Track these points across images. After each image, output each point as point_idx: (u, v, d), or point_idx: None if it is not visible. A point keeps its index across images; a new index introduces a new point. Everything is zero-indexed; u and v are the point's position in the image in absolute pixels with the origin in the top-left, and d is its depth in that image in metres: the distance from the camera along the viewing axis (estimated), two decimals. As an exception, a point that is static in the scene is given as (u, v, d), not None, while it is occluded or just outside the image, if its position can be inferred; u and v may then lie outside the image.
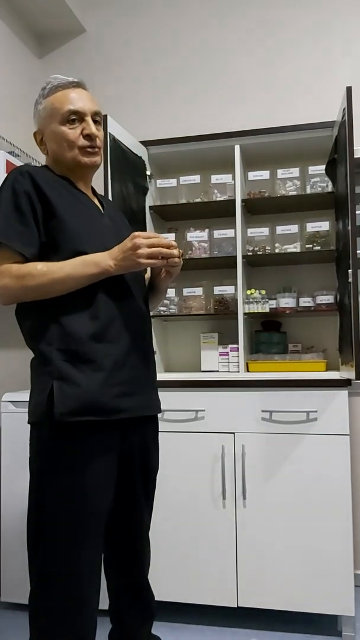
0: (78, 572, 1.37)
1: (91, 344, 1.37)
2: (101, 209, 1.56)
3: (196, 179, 2.51)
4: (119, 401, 1.39)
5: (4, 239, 1.35)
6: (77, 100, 1.47)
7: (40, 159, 2.79)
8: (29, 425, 1.42)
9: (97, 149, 1.49)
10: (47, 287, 1.35)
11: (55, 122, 1.46)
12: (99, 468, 1.39)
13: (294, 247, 2.40)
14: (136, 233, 1.37)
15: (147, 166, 2.51)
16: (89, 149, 1.48)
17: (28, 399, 1.43)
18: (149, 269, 1.65)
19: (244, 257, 2.37)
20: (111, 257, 1.37)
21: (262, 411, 2.05)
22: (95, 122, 1.49)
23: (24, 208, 1.37)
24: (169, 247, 1.40)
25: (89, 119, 1.47)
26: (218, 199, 2.48)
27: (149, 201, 2.51)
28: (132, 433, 1.49)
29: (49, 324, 1.39)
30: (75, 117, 1.46)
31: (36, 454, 1.40)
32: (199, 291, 2.48)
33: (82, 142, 1.46)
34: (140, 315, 1.50)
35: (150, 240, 1.37)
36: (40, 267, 1.35)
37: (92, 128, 1.47)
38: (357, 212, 1.96)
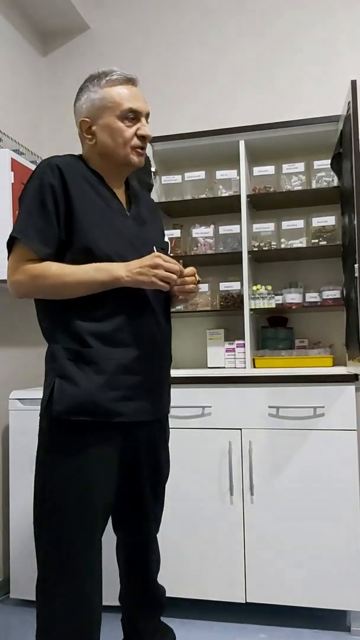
0: (74, 564, 1.39)
1: (96, 346, 1.39)
2: (127, 210, 1.53)
3: (201, 174, 2.50)
4: (118, 405, 1.40)
5: (23, 237, 1.36)
6: (135, 99, 1.47)
7: (45, 156, 2.79)
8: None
9: (144, 151, 1.51)
10: (58, 289, 1.37)
11: (113, 116, 1.44)
12: (95, 465, 1.40)
13: (300, 243, 2.39)
14: (158, 254, 1.39)
15: (152, 162, 2.50)
16: (139, 149, 1.49)
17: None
18: None
19: (249, 252, 2.36)
20: (127, 268, 1.38)
21: (269, 407, 2.04)
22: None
23: (47, 203, 1.37)
24: (190, 275, 1.44)
25: (143, 119, 1.48)
26: (223, 195, 2.48)
27: (154, 198, 2.50)
28: (137, 434, 1.49)
29: (59, 322, 1.41)
30: (133, 115, 1.46)
31: (39, 446, 1.44)
32: (204, 287, 2.47)
33: (136, 141, 1.47)
34: (155, 325, 1.49)
35: (169, 265, 1.38)
36: (54, 269, 1.36)
37: (147, 129, 1.48)
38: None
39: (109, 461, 1.43)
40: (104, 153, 1.48)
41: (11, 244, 1.39)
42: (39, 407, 2.16)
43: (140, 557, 1.65)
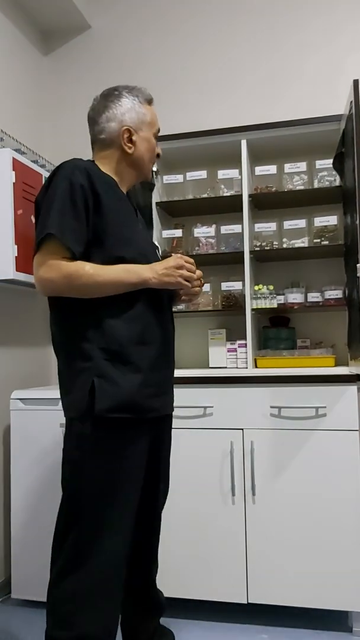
0: (109, 557, 1.42)
1: (130, 346, 1.44)
2: (135, 213, 1.62)
3: (203, 174, 2.49)
4: (151, 401, 1.47)
5: (59, 234, 1.37)
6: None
7: (47, 156, 2.79)
8: (63, 419, 1.50)
9: None
10: (90, 289, 1.40)
11: (150, 132, 1.59)
12: (134, 460, 1.46)
13: (302, 242, 2.39)
14: (180, 255, 1.51)
15: (154, 162, 2.50)
16: (152, 165, 1.66)
17: (61, 394, 1.50)
18: None
19: (251, 252, 2.36)
20: (152, 270, 1.46)
21: (271, 407, 2.04)
22: None
23: (78, 203, 1.40)
24: (199, 278, 1.57)
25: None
26: (225, 195, 2.47)
27: (156, 197, 2.50)
28: (157, 428, 1.56)
29: (92, 323, 1.43)
30: (157, 135, 1.63)
31: (75, 446, 1.44)
32: (206, 287, 2.47)
33: (155, 159, 1.65)
34: (168, 323, 1.58)
35: (189, 265, 1.51)
36: (87, 268, 1.39)
37: (159, 150, 1.66)
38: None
39: (143, 454, 1.49)
40: (133, 162, 1.57)
41: (41, 241, 1.40)
42: (40, 407, 2.16)
43: (144, 559, 1.67)
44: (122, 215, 1.49)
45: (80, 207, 1.39)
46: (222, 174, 2.46)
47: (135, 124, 1.55)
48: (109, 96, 1.56)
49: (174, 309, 1.68)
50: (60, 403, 1.52)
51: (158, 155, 1.64)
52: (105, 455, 1.41)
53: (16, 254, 2.12)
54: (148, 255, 1.53)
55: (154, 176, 2.49)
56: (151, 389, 1.47)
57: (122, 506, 1.43)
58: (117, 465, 1.42)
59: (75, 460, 1.43)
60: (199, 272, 1.55)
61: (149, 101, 1.61)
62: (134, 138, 1.54)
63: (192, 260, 1.52)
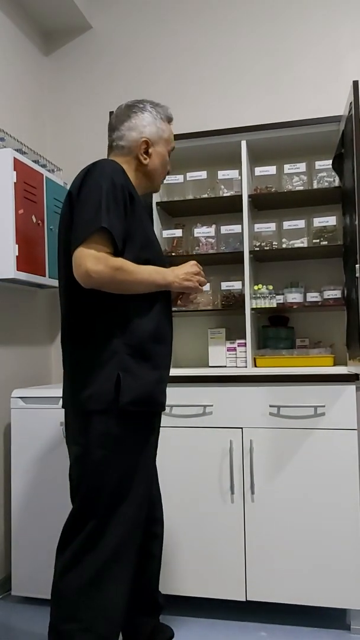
0: (123, 548, 1.46)
1: (149, 344, 1.50)
2: None
3: (203, 174, 2.50)
4: (162, 396, 1.55)
5: (110, 227, 1.40)
6: None
7: (48, 156, 2.80)
8: (64, 417, 1.57)
9: None
10: (128, 285, 1.44)
11: (165, 149, 1.67)
12: (150, 452, 1.54)
13: (301, 242, 2.40)
14: (194, 262, 1.62)
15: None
16: (163, 180, 1.74)
17: (76, 388, 1.51)
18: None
19: (251, 252, 2.37)
20: (174, 274, 1.55)
21: (270, 406, 2.05)
22: None
23: (120, 203, 1.44)
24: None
25: None
26: (225, 195, 2.48)
27: (156, 197, 2.51)
28: (159, 423, 1.63)
29: (119, 319, 1.48)
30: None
31: (99, 444, 1.46)
32: (206, 287, 2.46)
33: (165, 175, 1.72)
34: (172, 323, 1.65)
35: (202, 272, 1.64)
36: (129, 264, 1.45)
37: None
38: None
39: (155, 448, 1.58)
40: (147, 173, 1.64)
41: (87, 234, 1.40)
42: (40, 406, 2.17)
43: (149, 557, 1.70)
44: (145, 219, 1.57)
45: (121, 206, 1.44)
46: (222, 174, 2.47)
47: (154, 138, 1.62)
48: (133, 107, 1.62)
49: (173, 309, 1.71)
50: (60, 402, 1.53)
51: (168, 172, 1.72)
52: (129, 451, 1.47)
53: (17, 254, 2.14)
54: (162, 258, 1.61)
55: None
56: (163, 385, 1.56)
57: (139, 497, 1.49)
58: (137, 458, 1.49)
59: (98, 459, 1.45)
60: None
61: (169, 120, 1.68)
62: (150, 150, 1.61)
63: (200, 267, 1.64)
